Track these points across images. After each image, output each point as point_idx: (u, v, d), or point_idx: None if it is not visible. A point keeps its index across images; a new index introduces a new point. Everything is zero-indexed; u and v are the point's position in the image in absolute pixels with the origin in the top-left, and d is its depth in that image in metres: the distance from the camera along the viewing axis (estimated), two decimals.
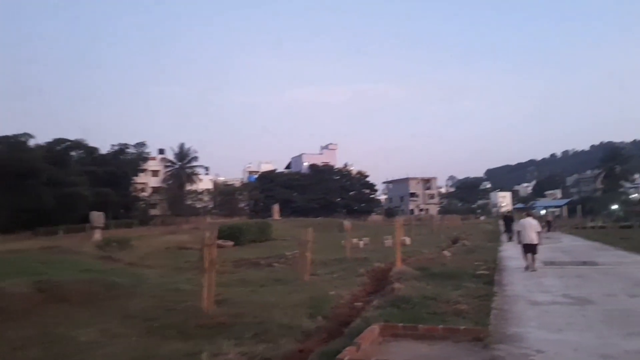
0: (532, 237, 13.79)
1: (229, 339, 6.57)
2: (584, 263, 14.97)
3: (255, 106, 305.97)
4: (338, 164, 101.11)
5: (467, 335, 6.17)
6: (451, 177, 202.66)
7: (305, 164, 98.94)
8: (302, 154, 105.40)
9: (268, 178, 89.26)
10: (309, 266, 12.65)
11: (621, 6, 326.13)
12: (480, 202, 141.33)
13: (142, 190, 76.50)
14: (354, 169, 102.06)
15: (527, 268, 13.53)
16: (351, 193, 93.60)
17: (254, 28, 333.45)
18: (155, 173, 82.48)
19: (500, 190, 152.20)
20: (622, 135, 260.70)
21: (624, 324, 6.69)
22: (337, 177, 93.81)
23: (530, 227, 14.02)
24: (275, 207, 67.98)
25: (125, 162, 70.09)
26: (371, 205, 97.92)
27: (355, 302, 9.94)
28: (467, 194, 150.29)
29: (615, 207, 79.09)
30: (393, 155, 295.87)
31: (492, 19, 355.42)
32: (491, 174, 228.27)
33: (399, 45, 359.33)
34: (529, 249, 13.77)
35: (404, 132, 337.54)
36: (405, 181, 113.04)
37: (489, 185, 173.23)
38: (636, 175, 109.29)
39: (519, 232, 14.70)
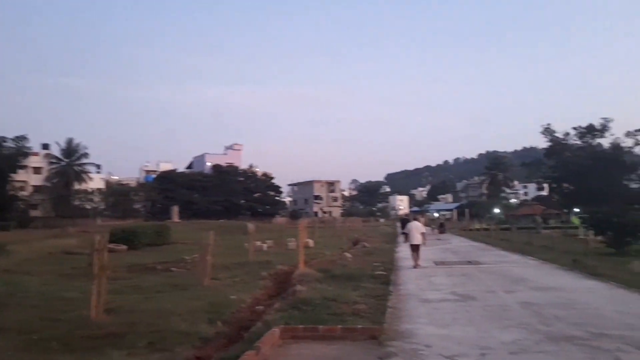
0: (417, 238, 15.48)
1: (120, 349, 6.22)
2: (470, 262, 16.20)
3: (156, 102, 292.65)
4: (243, 165, 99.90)
5: (363, 334, 6.42)
6: (354, 181, 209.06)
7: (208, 164, 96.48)
8: (205, 153, 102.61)
9: (167, 178, 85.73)
10: (209, 270, 12.36)
11: (493, 23, 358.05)
12: (380, 205, 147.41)
13: (22, 189, 69.58)
14: (259, 170, 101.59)
15: (414, 266, 15.01)
16: (256, 195, 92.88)
17: (159, 20, 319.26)
18: (37, 170, 75.63)
19: (399, 194, 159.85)
20: (505, 145, 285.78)
21: (501, 318, 7.36)
22: (242, 179, 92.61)
23: (416, 229, 15.70)
24: (175, 209, 65.62)
25: (1, 158, 63.46)
26: (276, 207, 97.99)
27: (257, 306, 9.88)
28: (368, 197, 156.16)
29: (497, 210, 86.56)
30: (299, 157, 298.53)
31: (378, 23, 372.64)
32: (391, 178, 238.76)
33: (302, 46, 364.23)
34: (415, 248, 15.45)
35: (310, 135, 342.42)
36: (310, 184, 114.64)
37: (388, 189, 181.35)
38: (515, 182, 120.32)
39: (406, 234, 16.48)
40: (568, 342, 5.88)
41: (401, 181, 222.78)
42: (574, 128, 74.09)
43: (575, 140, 74.77)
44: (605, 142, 72.35)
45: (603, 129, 71.99)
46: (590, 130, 72.91)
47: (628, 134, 69.82)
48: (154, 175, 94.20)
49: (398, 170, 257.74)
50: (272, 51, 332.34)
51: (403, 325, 7.00)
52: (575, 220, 56.64)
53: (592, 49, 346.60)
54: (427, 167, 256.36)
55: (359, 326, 6.73)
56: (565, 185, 75.31)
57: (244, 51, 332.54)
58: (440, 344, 5.91)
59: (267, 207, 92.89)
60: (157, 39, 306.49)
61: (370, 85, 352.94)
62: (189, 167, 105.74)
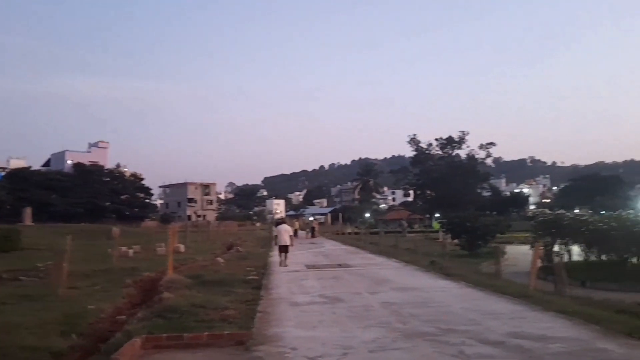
0: (285, 240, 17.22)
1: None
2: (340, 266, 16.86)
3: (10, 93, 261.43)
4: (109, 164, 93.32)
5: (230, 340, 6.34)
6: (230, 184, 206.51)
7: (69, 162, 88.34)
8: (65, 150, 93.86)
9: (19, 176, 76.72)
10: (66, 279, 11.32)
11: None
12: (257, 208, 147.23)
13: None
14: (128, 170, 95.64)
15: (280, 264, 16.63)
16: (123, 197, 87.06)
17: (14, 5, 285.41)
18: None
19: (276, 198, 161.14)
20: (377, 153, 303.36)
21: (364, 318, 7.76)
22: (107, 179, 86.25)
23: (285, 232, 17.50)
24: (28, 211, 59.01)
25: None
26: (146, 210, 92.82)
27: (118, 316, 9.27)
28: (245, 201, 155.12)
29: (368, 215, 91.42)
30: (172, 158, 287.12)
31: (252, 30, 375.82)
32: (268, 182, 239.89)
33: (179, 42, 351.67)
34: (283, 249, 17.13)
35: (185, 136, 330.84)
36: (183, 186, 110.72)
37: (265, 193, 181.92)
38: (385, 188, 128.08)
39: (276, 236, 18.17)
40: (421, 338, 6.39)
41: (279, 185, 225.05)
42: (436, 139, 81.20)
43: (437, 151, 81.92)
44: (462, 153, 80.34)
45: (461, 141, 79.84)
46: (450, 142, 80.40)
47: (481, 147, 78.24)
48: (3, 173, 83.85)
49: (276, 174, 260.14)
50: (145, 43, 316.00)
51: (271, 329, 7.05)
52: (436, 225, 61.85)
53: (447, 69, 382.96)
54: (304, 172, 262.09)
55: (226, 332, 6.64)
56: (428, 191, 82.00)
57: (115, 40, 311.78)
58: (305, 346, 6.06)
59: (136, 209, 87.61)
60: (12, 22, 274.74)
61: (250, 89, 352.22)
62: (46, 164, 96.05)
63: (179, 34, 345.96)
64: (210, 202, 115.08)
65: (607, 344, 5.93)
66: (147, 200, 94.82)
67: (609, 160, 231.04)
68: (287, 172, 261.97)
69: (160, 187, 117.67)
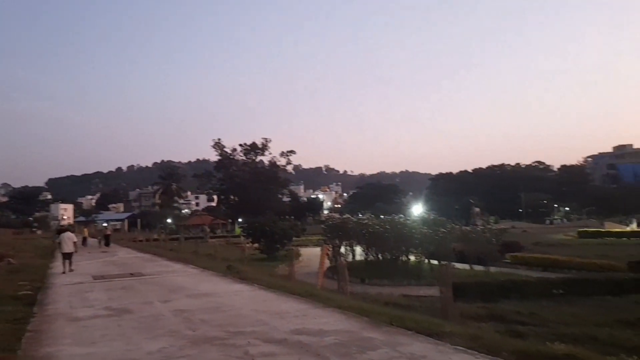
0: (70, 247, 17.53)
1: None
2: (132, 275, 15.91)
3: None
4: None
5: None
6: (5, 185, 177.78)
7: None
8: None
9: None
10: None
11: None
12: (39, 214, 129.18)
13: None
14: None
15: (64, 272, 16.74)
16: None
17: None
18: None
19: (62, 202, 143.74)
20: (181, 156, 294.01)
21: (152, 328, 7.49)
22: None
23: (69, 239, 17.73)
24: None
25: None
26: None
27: None
28: (23, 205, 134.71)
29: (169, 220, 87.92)
30: None
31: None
32: (53, 183, 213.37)
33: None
34: (67, 256, 17.44)
35: None
36: None
37: (50, 196, 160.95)
38: (188, 193, 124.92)
39: (59, 243, 18.23)
40: (209, 343, 6.43)
41: (67, 187, 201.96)
42: (241, 145, 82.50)
43: (241, 156, 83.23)
44: (265, 159, 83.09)
45: (264, 148, 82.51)
46: (253, 148, 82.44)
47: (282, 154, 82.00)
48: None
49: (63, 175, 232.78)
50: None
51: (42, 349, 6.33)
52: (238, 230, 62.75)
53: (253, 76, 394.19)
54: (99, 174, 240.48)
55: None
56: (231, 196, 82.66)
57: None
58: None
59: None
60: None
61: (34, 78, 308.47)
62: None
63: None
64: None
65: (372, 333, 6.79)
66: None
67: (389, 170, 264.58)
68: (78, 173, 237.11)
69: None
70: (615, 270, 22.16)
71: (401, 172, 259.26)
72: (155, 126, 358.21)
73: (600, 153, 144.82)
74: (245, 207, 74.48)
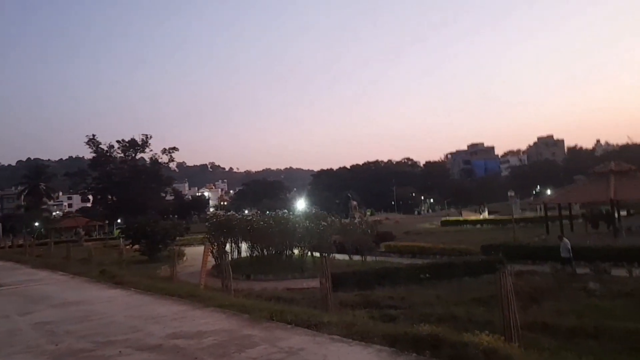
0: None
1: None
2: None
3: None
4: None
5: None
6: None
7: None
8: None
9: None
10: None
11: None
12: None
13: None
14: None
15: None
16: None
17: None
18: None
19: None
20: (50, 153, 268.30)
21: (6, 346, 6.73)
22: None
23: None
24: None
25: None
26: None
27: None
28: None
29: (37, 224, 80.00)
30: None
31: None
32: None
33: None
34: None
35: None
36: None
37: None
38: (60, 193, 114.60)
39: None
40: (73, 357, 5.95)
41: None
42: (118, 142, 77.64)
43: (119, 153, 78.31)
44: (146, 156, 79.04)
45: (144, 145, 78.40)
46: (132, 145, 78.01)
47: (164, 151, 78.63)
48: None
49: None
50: None
51: None
52: (117, 232, 58.98)
53: (131, 74, 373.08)
54: None
55: None
56: (109, 196, 77.48)
57: None
58: None
59: None
60: None
61: None
62: None
63: None
64: None
65: (252, 330, 6.76)
66: None
67: (274, 167, 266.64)
68: None
69: None
70: (471, 254, 24.52)
71: (286, 169, 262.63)
72: (20, 122, 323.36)
73: (457, 151, 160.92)
74: (124, 207, 70.33)
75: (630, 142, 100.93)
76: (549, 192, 59.99)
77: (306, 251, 23.15)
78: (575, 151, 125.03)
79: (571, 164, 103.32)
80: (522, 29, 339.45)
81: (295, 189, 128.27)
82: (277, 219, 21.96)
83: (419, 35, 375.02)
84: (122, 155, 78.13)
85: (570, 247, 19.76)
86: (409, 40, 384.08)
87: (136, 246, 32.90)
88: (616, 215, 30.58)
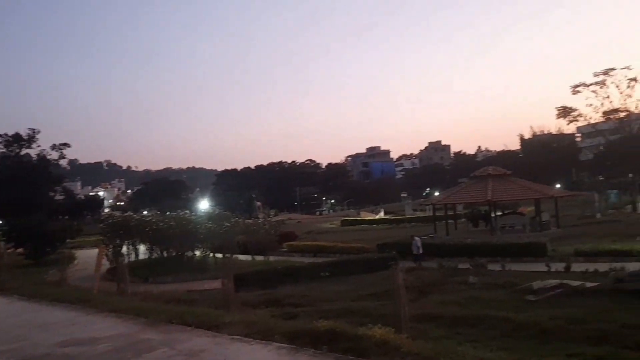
0: None
1: None
2: None
3: None
4: None
5: None
6: None
7: None
8: None
9: None
10: None
11: None
12: None
13: None
14: None
15: None
16: None
17: None
18: None
19: None
20: None
21: None
22: None
23: None
24: None
25: None
26: None
27: None
28: None
29: None
30: None
31: None
32: None
33: None
34: None
35: None
36: None
37: None
38: None
39: None
40: None
41: None
42: (0, 135, 70.45)
43: (1, 149, 71.13)
44: (32, 152, 72.48)
45: (30, 140, 71.87)
46: (17, 140, 71.21)
47: (54, 147, 72.68)
48: None
49: None
50: None
51: None
52: None
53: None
54: None
55: None
56: None
57: None
58: None
59: None
60: None
61: None
62: None
63: None
64: None
65: (150, 334, 6.64)
66: None
67: (175, 166, 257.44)
68: None
69: None
70: (368, 251, 25.72)
71: (188, 168, 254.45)
72: None
73: (357, 153, 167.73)
74: (6, 207, 63.97)
75: (506, 149, 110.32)
76: (437, 193, 63.92)
77: (208, 252, 22.79)
78: (460, 156, 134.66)
79: (456, 168, 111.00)
80: (415, 36, 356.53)
81: (198, 189, 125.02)
82: (178, 219, 21.40)
83: (320, 41, 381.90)
84: (4, 150, 71.07)
85: (420, 245, 22.06)
86: (309, 44, 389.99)
87: (20, 249, 30.38)
88: (493, 215, 33.57)
